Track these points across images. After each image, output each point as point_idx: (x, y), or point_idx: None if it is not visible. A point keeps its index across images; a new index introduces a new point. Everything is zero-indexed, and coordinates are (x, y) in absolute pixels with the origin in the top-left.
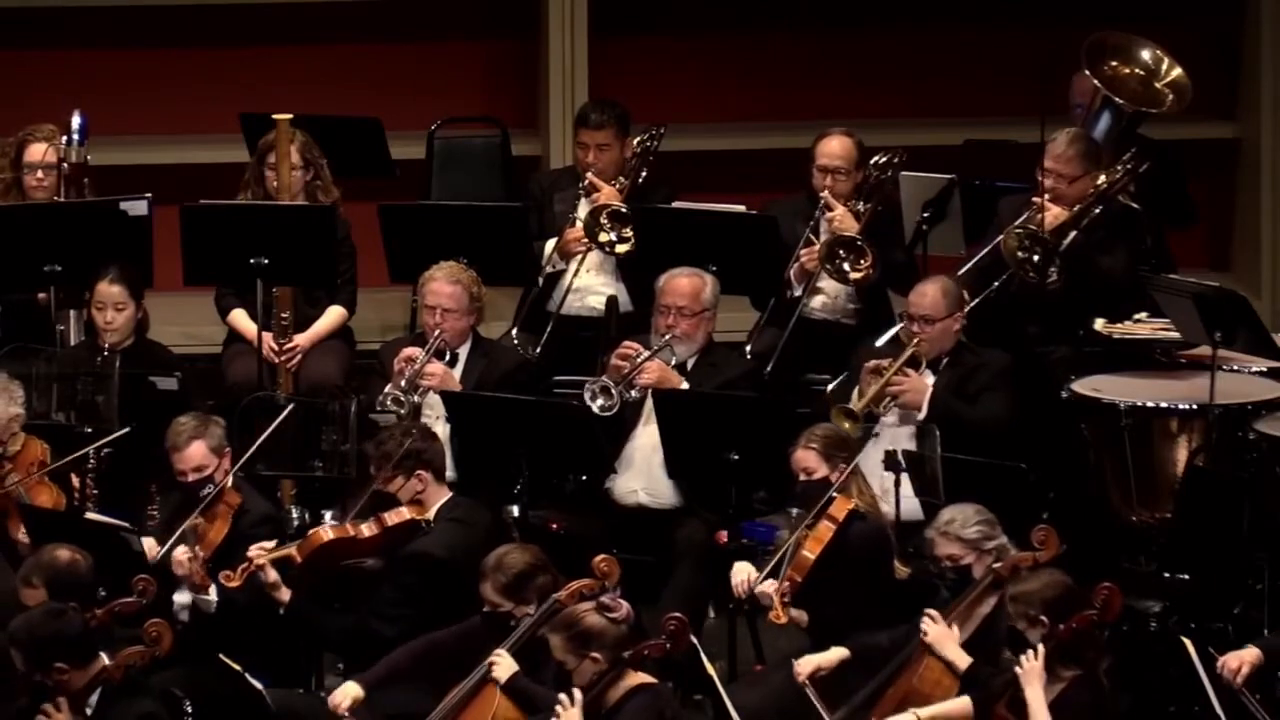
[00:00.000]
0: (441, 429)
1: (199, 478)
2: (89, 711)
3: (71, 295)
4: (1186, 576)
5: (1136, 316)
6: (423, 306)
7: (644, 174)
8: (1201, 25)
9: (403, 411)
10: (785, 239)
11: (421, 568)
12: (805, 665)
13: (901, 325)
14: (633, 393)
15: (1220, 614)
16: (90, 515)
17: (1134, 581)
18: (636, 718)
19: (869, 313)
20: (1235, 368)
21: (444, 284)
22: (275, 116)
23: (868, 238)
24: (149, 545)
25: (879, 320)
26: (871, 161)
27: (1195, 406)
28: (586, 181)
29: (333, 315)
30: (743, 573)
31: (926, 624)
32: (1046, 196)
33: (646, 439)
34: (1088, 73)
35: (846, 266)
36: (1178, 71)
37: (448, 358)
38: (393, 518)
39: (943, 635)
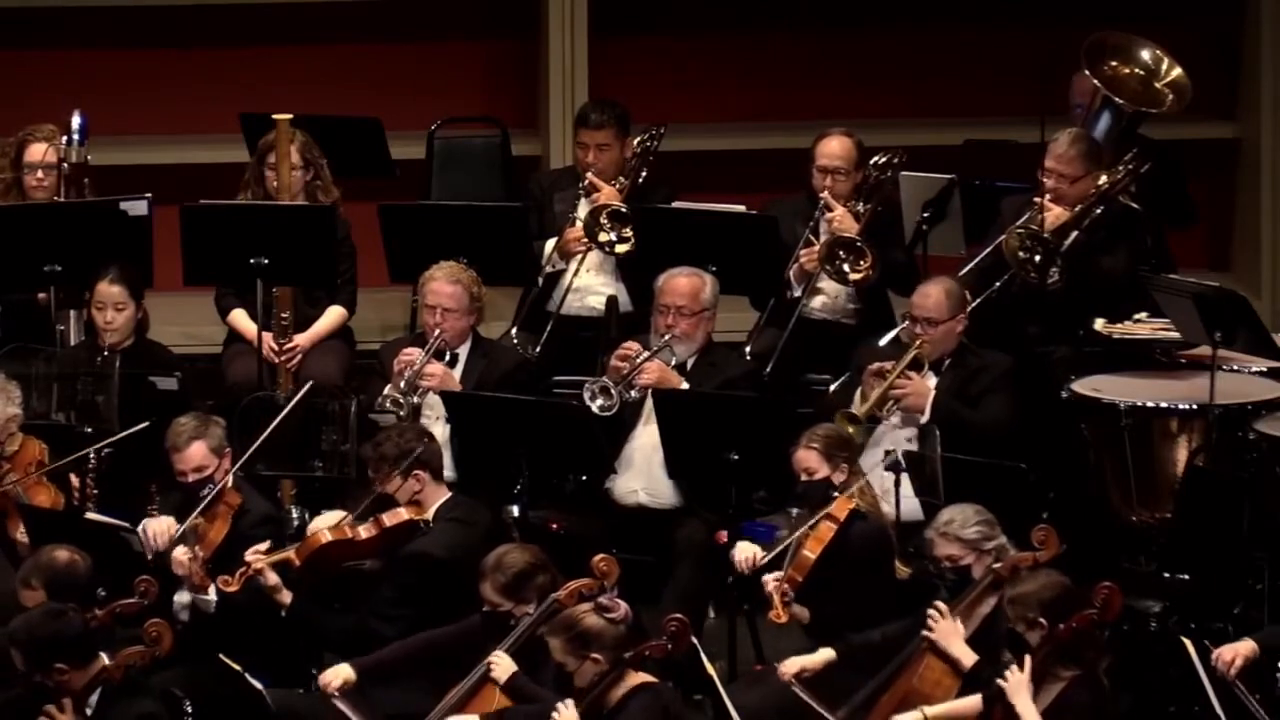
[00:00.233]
0: (441, 429)
1: (199, 478)
2: (89, 712)
3: (71, 295)
4: (1186, 576)
5: (1136, 316)
6: (423, 306)
7: (644, 174)
8: (1201, 25)
9: (402, 413)
10: (785, 239)
11: (421, 568)
12: (790, 666)
13: (903, 326)
14: (632, 393)
15: (1220, 614)
16: (90, 515)
17: (1134, 581)
18: (640, 716)
19: (869, 313)
20: (1235, 368)
21: (444, 284)
22: (275, 116)
23: (867, 238)
24: (163, 524)
25: (879, 320)
26: (871, 162)
27: (1195, 406)
28: (586, 181)
29: (333, 315)
30: (747, 551)
31: (934, 618)
32: (1048, 197)
33: (646, 439)
34: (1088, 73)
35: (846, 267)
36: (1178, 71)
37: (447, 358)
38: (391, 519)
39: (949, 630)
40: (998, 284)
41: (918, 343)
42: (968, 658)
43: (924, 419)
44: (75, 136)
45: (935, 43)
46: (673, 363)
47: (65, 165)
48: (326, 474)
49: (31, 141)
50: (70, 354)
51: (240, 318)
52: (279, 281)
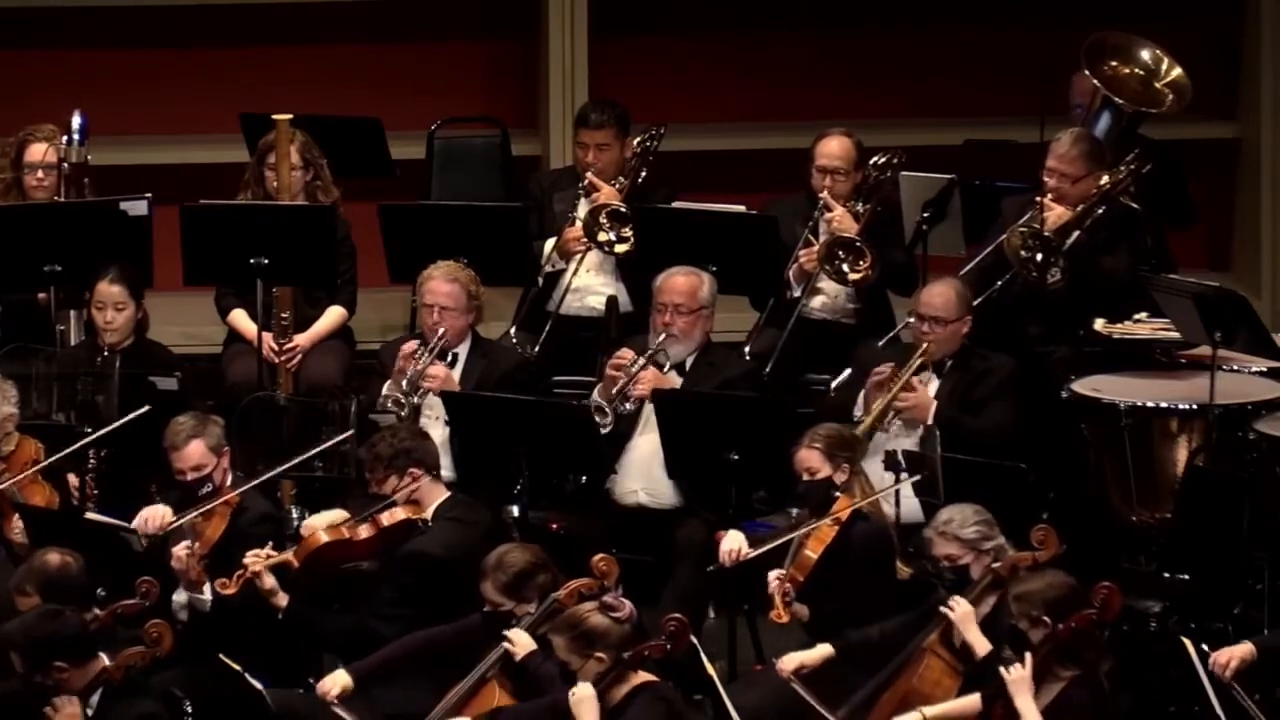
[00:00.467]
0: (441, 429)
1: (198, 476)
2: (89, 712)
3: (71, 295)
4: (1186, 576)
5: (1136, 316)
6: (421, 306)
7: (644, 174)
8: (1201, 25)
9: (403, 413)
10: (785, 239)
11: (419, 567)
12: (789, 662)
13: (904, 325)
14: (627, 405)
15: (1220, 614)
16: (90, 515)
17: (1134, 581)
18: (644, 716)
19: (869, 313)
20: (1235, 368)
21: (441, 282)
22: (275, 116)
23: (867, 238)
24: (157, 510)
25: (879, 321)
26: (871, 162)
27: (1195, 406)
28: (586, 181)
29: (333, 315)
30: (734, 542)
31: (955, 602)
32: (1049, 196)
33: (646, 440)
34: (1088, 73)
35: (845, 267)
36: (1178, 71)
37: (449, 358)
38: (388, 518)
39: (967, 615)
40: (999, 283)
41: (920, 351)
42: (982, 645)
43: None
44: (75, 136)
45: (935, 43)
46: (667, 366)
47: (65, 165)
48: (326, 474)
49: (32, 141)
50: (70, 354)
51: (240, 318)
52: (279, 281)
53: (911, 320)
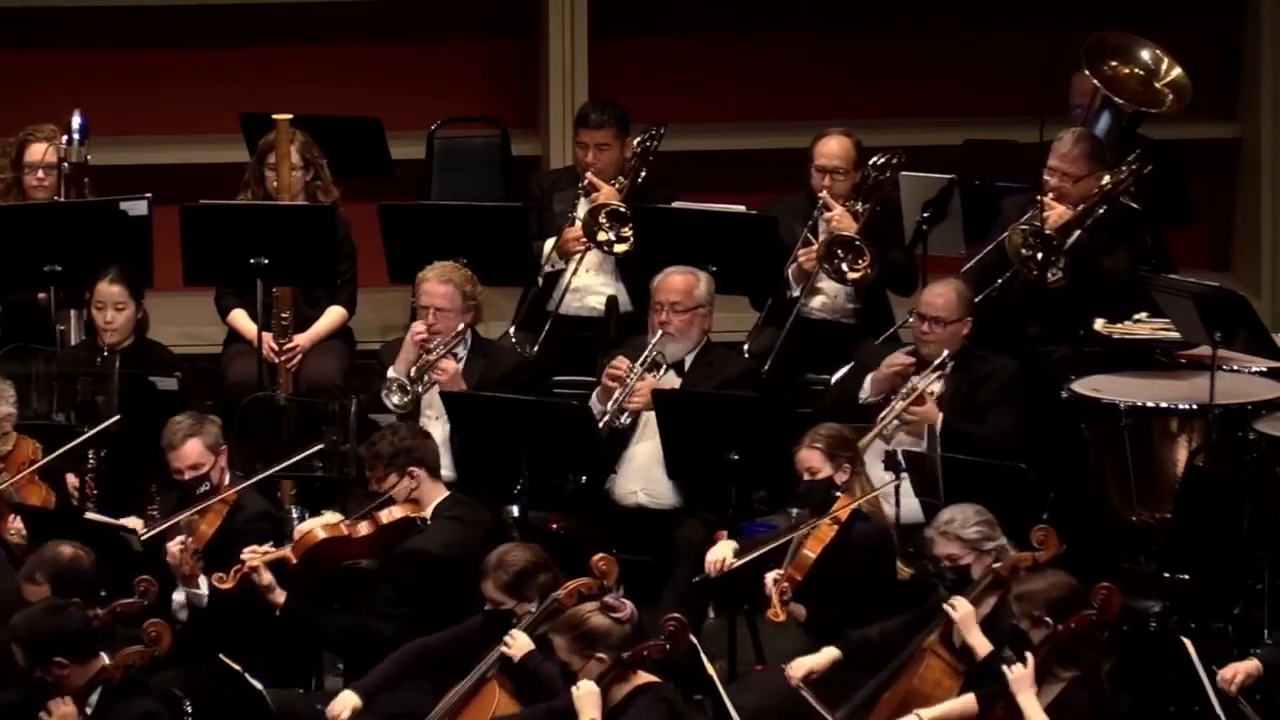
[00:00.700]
0: (440, 429)
1: (195, 475)
2: (89, 711)
3: (71, 295)
4: (1186, 576)
5: (1136, 316)
6: (417, 307)
7: (644, 174)
8: (1201, 25)
9: (406, 399)
10: (784, 239)
11: (417, 565)
12: (798, 668)
13: (903, 324)
14: (623, 418)
15: (1220, 614)
16: (90, 515)
17: (1134, 581)
18: (645, 716)
19: (868, 313)
20: (1235, 368)
21: (435, 284)
22: (275, 116)
23: (866, 238)
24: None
25: (878, 320)
26: (870, 162)
27: (1195, 406)
28: (586, 181)
29: (333, 315)
30: (720, 552)
31: (956, 602)
32: (1050, 196)
33: (646, 440)
34: (1088, 73)
35: (844, 267)
36: (1178, 71)
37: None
38: (387, 516)
39: (968, 616)
40: (999, 281)
41: (934, 366)
42: (983, 646)
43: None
44: (75, 136)
45: (935, 43)
46: (664, 368)
47: (65, 165)
48: (326, 474)
49: (32, 141)
50: (70, 354)
51: (240, 318)
52: (279, 281)
53: (911, 320)
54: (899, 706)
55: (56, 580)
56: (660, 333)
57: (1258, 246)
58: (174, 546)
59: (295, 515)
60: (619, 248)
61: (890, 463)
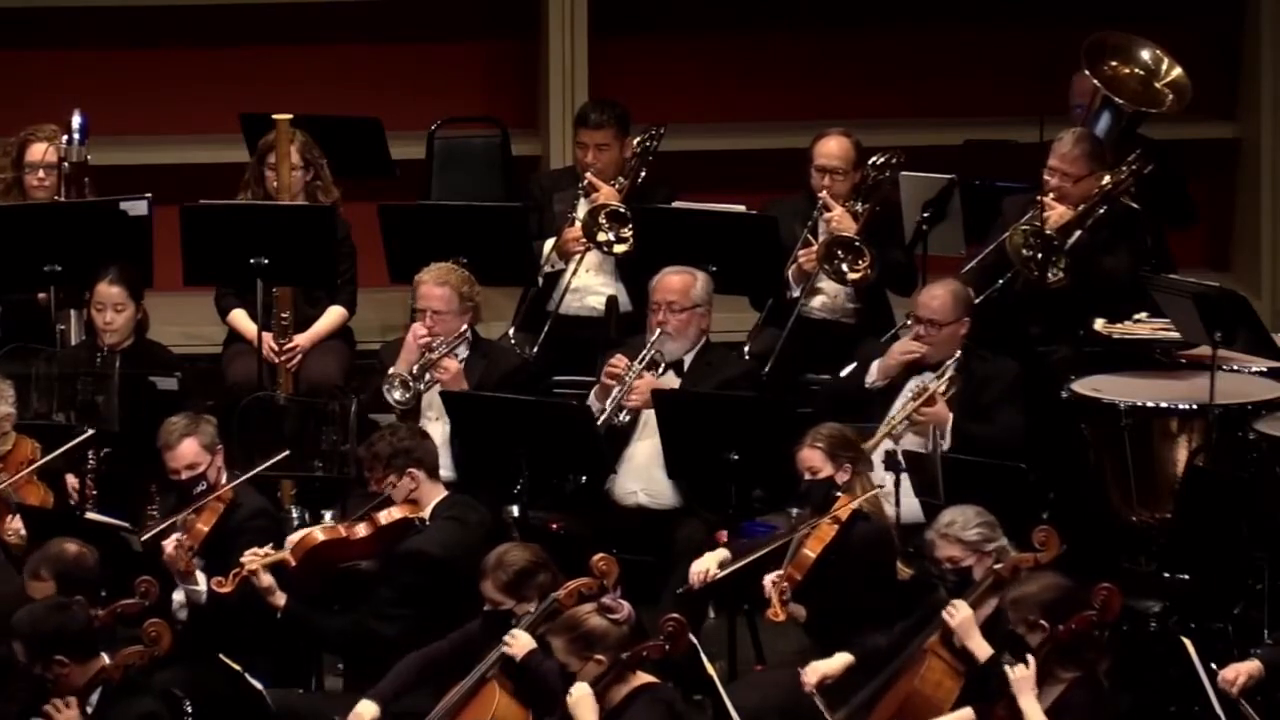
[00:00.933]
0: (440, 429)
1: (192, 475)
2: (89, 711)
3: (71, 295)
4: (1186, 576)
5: (1136, 316)
6: (415, 309)
7: (643, 174)
8: (1201, 25)
9: (408, 395)
10: (784, 239)
11: (416, 565)
12: (812, 675)
13: (904, 325)
14: (622, 415)
15: (1220, 614)
16: (90, 515)
17: (1134, 581)
18: (644, 717)
19: (868, 313)
20: (1235, 368)
21: (432, 286)
22: (275, 116)
23: (866, 238)
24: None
25: (878, 320)
26: (870, 162)
27: (1195, 406)
28: (586, 181)
29: (333, 315)
30: (705, 563)
31: (954, 607)
32: (1051, 196)
33: (646, 441)
34: (1088, 73)
35: (844, 267)
36: (1178, 71)
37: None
38: (386, 517)
39: (968, 621)
40: (1000, 281)
41: (945, 369)
42: (983, 650)
43: (945, 445)
44: (76, 136)
45: (935, 43)
46: (662, 366)
47: (66, 165)
48: (326, 474)
49: (32, 141)
50: (70, 354)
51: (240, 318)
52: (279, 281)
53: (909, 322)
54: (899, 707)
55: (62, 577)
56: (658, 332)
57: (1258, 246)
58: (170, 544)
59: (295, 515)
60: (619, 248)
61: (890, 462)
